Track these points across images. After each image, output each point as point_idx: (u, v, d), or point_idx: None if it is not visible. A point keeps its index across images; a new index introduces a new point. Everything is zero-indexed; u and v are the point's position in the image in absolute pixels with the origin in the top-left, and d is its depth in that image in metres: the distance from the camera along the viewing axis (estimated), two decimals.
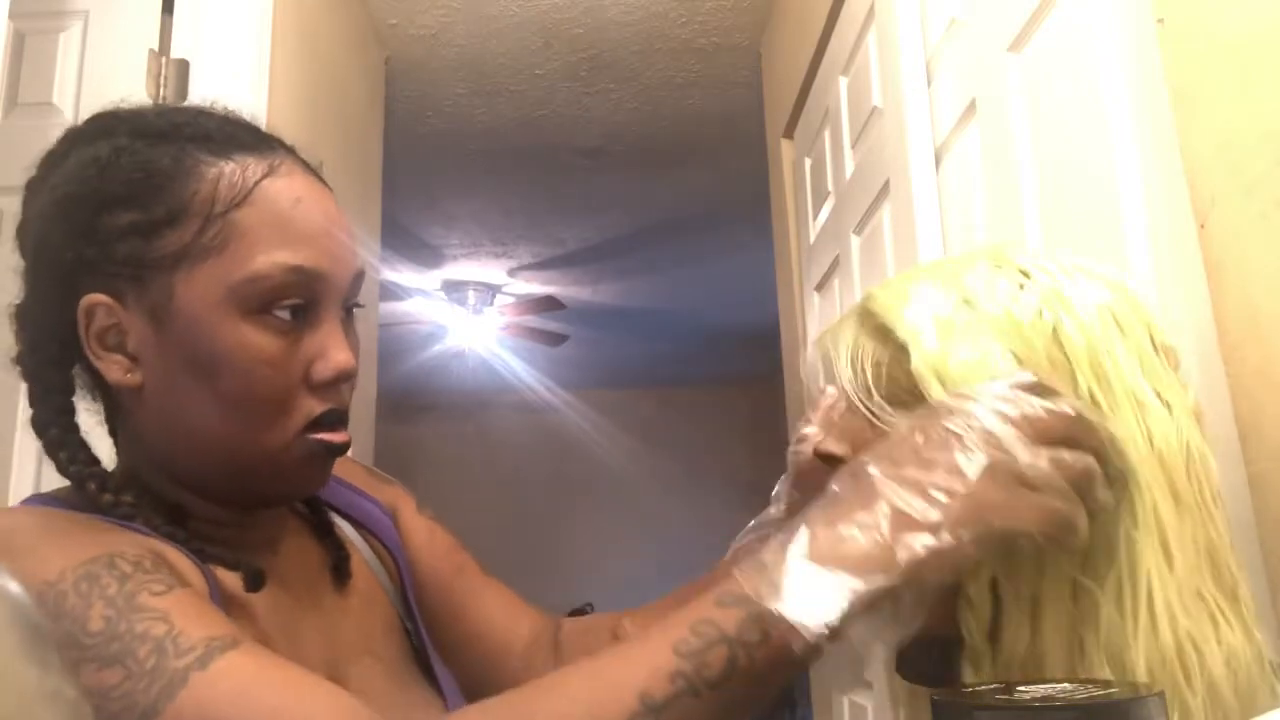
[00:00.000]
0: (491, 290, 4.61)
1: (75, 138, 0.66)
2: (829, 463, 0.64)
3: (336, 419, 0.65)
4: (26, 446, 1.45)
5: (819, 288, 2.01)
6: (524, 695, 0.51)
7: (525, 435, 6.28)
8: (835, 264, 1.86)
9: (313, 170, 0.68)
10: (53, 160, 0.66)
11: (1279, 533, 0.69)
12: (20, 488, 1.42)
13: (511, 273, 4.46)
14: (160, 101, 1.59)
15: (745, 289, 4.00)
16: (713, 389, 6.18)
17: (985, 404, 0.50)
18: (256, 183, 0.62)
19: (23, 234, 0.66)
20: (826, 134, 1.92)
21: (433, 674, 0.75)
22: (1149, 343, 0.54)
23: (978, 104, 1.21)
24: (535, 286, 4.62)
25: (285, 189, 0.63)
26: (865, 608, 0.47)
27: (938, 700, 0.39)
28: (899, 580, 0.47)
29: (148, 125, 0.64)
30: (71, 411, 0.65)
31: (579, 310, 4.83)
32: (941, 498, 0.48)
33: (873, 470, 0.50)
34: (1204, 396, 0.75)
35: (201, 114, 0.66)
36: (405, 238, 3.84)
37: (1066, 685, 0.39)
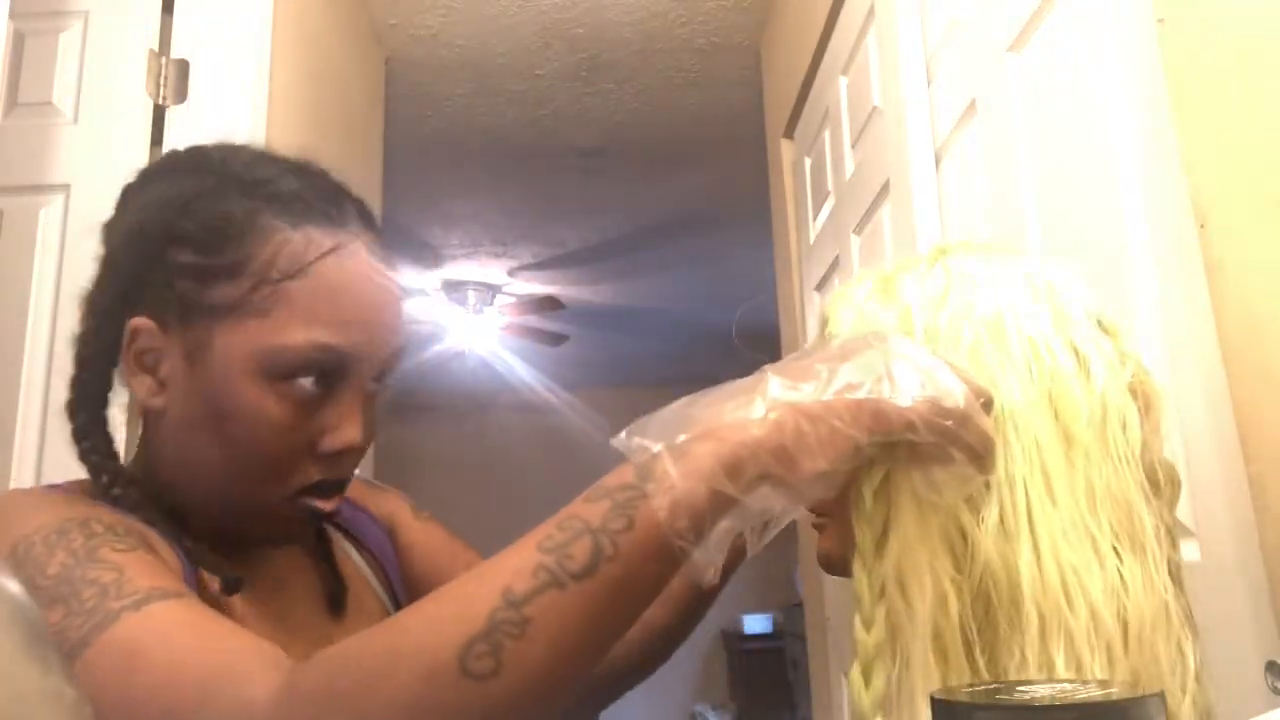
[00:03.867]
0: (491, 290, 4.61)
1: (172, 163, 0.70)
2: None
3: (331, 488, 0.68)
4: (27, 444, 1.45)
5: (819, 288, 2.01)
6: (406, 610, 0.51)
7: (525, 435, 6.27)
8: (835, 264, 1.86)
9: (379, 246, 0.70)
10: (148, 177, 0.71)
11: (1279, 533, 0.69)
12: (21, 485, 1.42)
13: (511, 273, 4.46)
14: (161, 102, 1.60)
15: (745, 289, 4.00)
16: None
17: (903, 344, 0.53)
18: (316, 259, 0.64)
19: (107, 233, 0.70)
20: (826, 134, 1.93)
21: None
22: (1078, 312, 0.58)
23: (978, 104, 1.21)
24: (535, 286, 4.62)
25: (340, 271, 0.65)
26: (731, 471, 0.47)
27: (938, 700, 0.39)
28: (765, 437, 0.48)
29: (236, 174, 0.67)
30: (105, 404, 0.68)
31: (579, 310, 4.84)
32: (823, 370, 0.50)
33: (767, 371, 0.52)
34: (1204, 396, 0.76)
35: (289, 172, 0.68)
36: (405, 238, 3.84)
37: (1066, 685, 0.40)
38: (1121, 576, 0.52)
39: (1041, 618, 0.51)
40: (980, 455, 0.50)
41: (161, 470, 0.68)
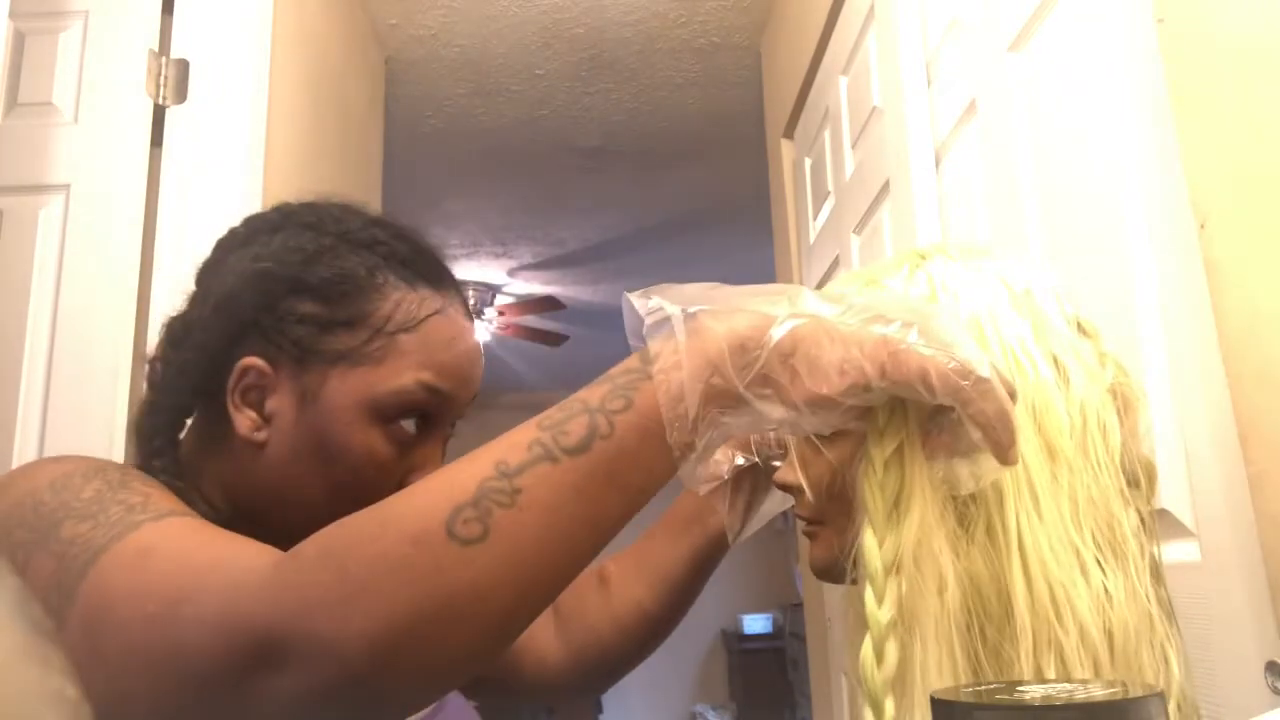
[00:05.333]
0: (491, 290, 4.61)
1: (289, 218, 0.74)
2: (788, 492, 0.65)
3: None
4: (27, 443, 1.45)
5: (819, 288, 2.01)
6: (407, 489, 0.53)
7: None
8: (835, 264, 1.86)
9: (468, 309, 0.77)
10: (260, 227, 0.75)
11: (1279, 533, 0.69)
12: None
13: (511, 273, 4.46)
14: (161, 102, 1.60)
15: None
16: None
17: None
18: (427, 316, 0.71)
19: (209, 275, 0.74)
20: (826, 134, 1.93)
21: None
22: (1057, 318, 0.58)
23: (978, 104, 1.21)
24: (535, 286, 4.62)
25: (447, 328, 0.72)
26: (737, 356, 0.48)
27: (938, 700, 0.39)
28: (780, 338, 0.48)
29: (353, 233, 0.73)
30: (181, 428, 0.72)
31: (579, 310, 4.84)
32: (858, 300, 0.51)
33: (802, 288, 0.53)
34: (1204, 396, 0.76)
35: (398, 237, 0.74)
36: None
37: (1067, 685, 0.40)
38: (1106, 589, 0.52)
39: (1034, 633, 0.50)
40: (996, 430, 0.48)
41: (256, 497, 0.71)
